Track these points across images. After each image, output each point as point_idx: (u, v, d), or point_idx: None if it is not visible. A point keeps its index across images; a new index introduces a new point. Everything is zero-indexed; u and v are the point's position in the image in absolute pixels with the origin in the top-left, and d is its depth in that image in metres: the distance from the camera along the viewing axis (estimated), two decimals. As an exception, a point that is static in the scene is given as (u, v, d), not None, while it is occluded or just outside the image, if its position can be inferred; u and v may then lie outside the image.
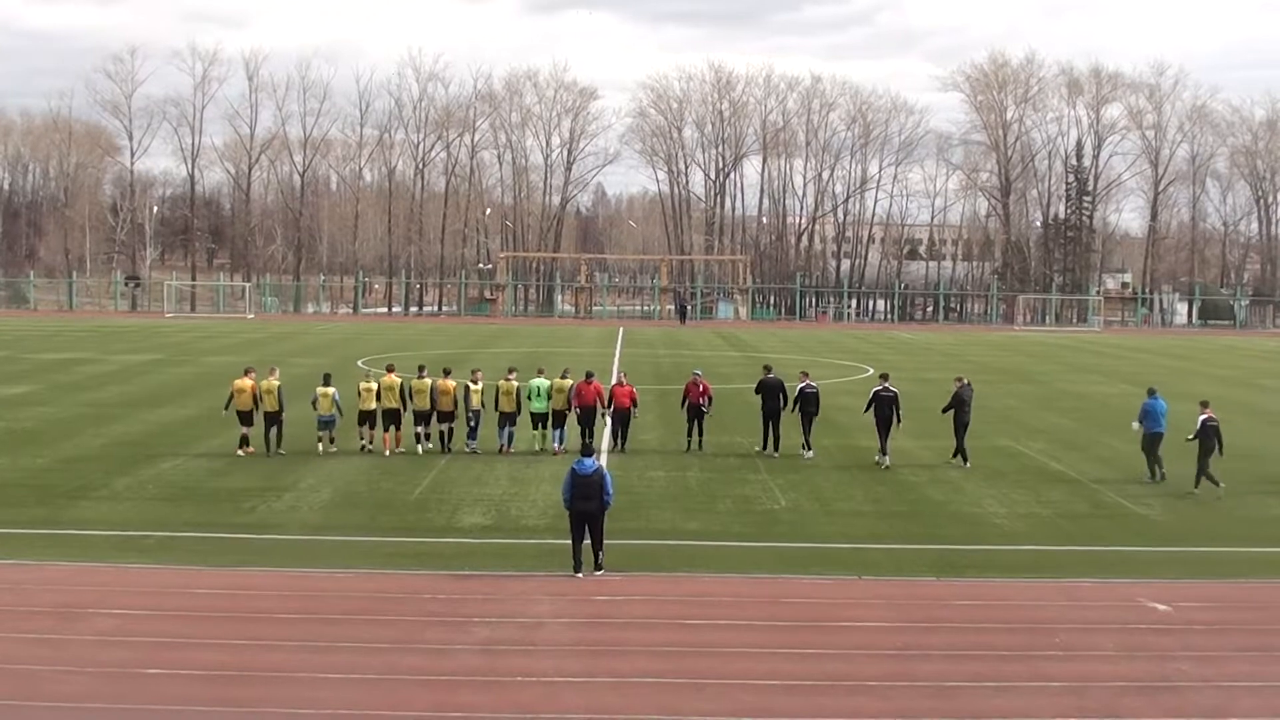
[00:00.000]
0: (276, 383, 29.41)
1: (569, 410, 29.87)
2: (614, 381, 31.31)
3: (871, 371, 52.95)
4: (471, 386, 30.15)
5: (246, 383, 29.50)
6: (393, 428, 29.70)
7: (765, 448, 30.05)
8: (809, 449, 29.85)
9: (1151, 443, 27.33)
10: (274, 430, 29.25)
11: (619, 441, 30.29)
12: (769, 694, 14.13)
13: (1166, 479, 27.04)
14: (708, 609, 17.18)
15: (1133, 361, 64.38)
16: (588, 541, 18.77)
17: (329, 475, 26.77)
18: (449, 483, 26.12)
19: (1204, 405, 26.46)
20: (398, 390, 29.70)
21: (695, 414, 30.64)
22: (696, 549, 20.63)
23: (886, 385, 29.22)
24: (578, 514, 18.47)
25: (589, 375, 30.90)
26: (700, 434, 30.65)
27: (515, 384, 30.16)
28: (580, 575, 18.38)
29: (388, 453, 29.48)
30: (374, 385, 30.01)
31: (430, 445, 29.86)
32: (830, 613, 17.17)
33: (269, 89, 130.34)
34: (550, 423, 30.00)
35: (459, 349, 61.90)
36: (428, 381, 29.90)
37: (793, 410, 30.04)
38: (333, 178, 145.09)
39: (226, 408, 29.83)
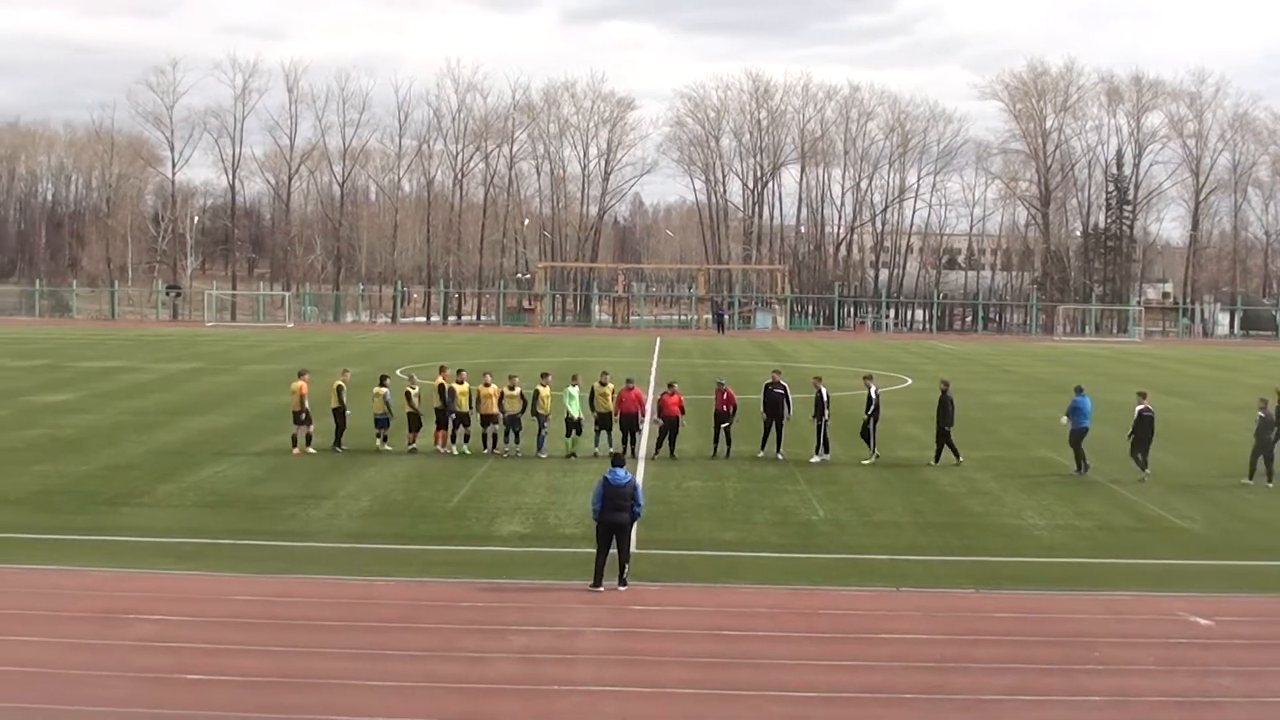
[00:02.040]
0: (346, 383, 31.53)
1: (617, 415, 30.37)
2: (664, 390, 31.60)
3: (911, 382, 52.81)
4: (508, 392, 30.75)
5: (299, 384, 30.84)
6: (443, 429, 31.02)
7: (764, 449, 31.06)
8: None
9: (1077, 438, 29.29)
10: (343, 424, 30.88)
11: (668, 448, 30.60)
12: (805, 705, 14.07)
13: (1091, 469, 29.09)
14: (744, 620, 17.12)
15: (1173, 373, 63.87)
16: (612, 553, 18.66)
17: (368, 483, 26.93)
18: (487, 491, 26.22)
19: (1141, 396, 29.23)
20: (444, 391, 30.88)
21: (720, 420, 30.94)
22: (733, 559, 20.57)
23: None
24: (607, 525, 18.31)
25: (629, 382, 31.19)
26: (727, 442, 30.90)
27: (549, 390, 30.82)
28: (601, 589, 18.24)
29: (440, 448, 30.70)
30: (418, 390, 31.20)
31: (467, 448, 30.67)
32: (868, 624, 17.10)
33: (308, 100, 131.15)
34: (596, 428, 30.70)
35: (497, 357, 62.22)
36: (467, 386, 30.94)
37: (818, 417, 30.83)
38: (372, 188, 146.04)
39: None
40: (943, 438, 30.28)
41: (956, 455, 30.27)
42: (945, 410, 30.23)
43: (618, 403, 30.39)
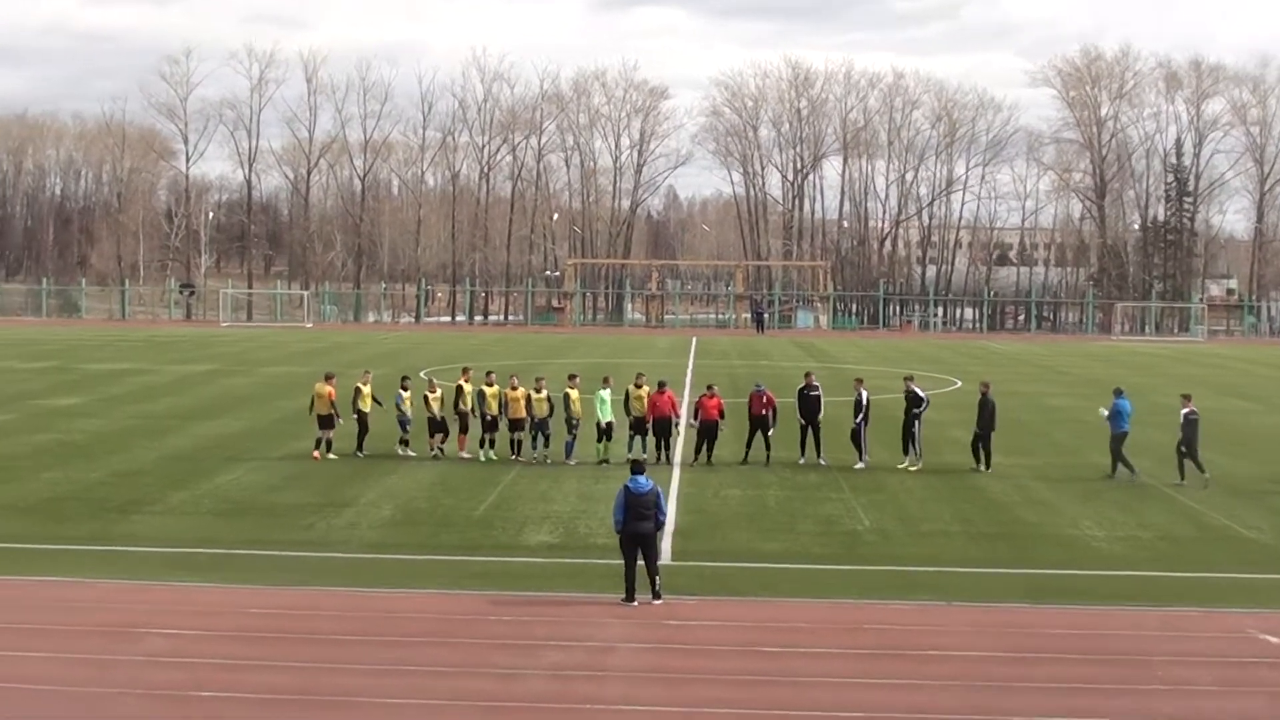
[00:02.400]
0: (370, 385, 31.89)
1: (649, 420, 30.49)
2: (703, 392, 31.66)
3: (960, 384, 52.64)
4: (535, 395, 30.78)
5: (326, 388, 31.08)
6: (461, 432, 31.32)
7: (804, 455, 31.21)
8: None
9: (1117, 443, 29.64)
10: (365, 430, 31.27)
11: (705, 454, 30.74)
12: (851, 726, 14.02)
13: (1139, 474, 29.19)
14: (786, 635, 17.11)
15: (1239, 373, 63.48)
16: (642, 565, 18.60)
17: (390, 491, 27.06)
18: (515, 499, 26.31)
19: (1186, 399, 29.26)
20: (471, 395, 31.21)
21: (758, 426, 30.85)
22: (774, 572, 20.57)
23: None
24: (631, 536, 18.25)
25: (662, 385, 31.28)
26: (766, 447, 30.94)
27: (579, 393, 30.99)
28: (634, 603, 18.16)
29: (465, 455, 30.92)
30: (438, 395, 31.31)
31: (494, 454, 30.74)
32: (915, 640, 17.00)
33: (328, 90, 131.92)
34: (631, 433, 30.68)
35: (525, 359, 62.43)
36: (497, 389, 30.97)
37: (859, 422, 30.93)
38: (394, 182, 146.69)
39: (311, 409, 31.62)
40: (979, 442, 30.36)
41: (986, 462, 30.32)
42: (985, 414, 30.34)
43: (650, 406, 30.50)
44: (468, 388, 31.44)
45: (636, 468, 18.80)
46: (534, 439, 30.82)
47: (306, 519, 24.13)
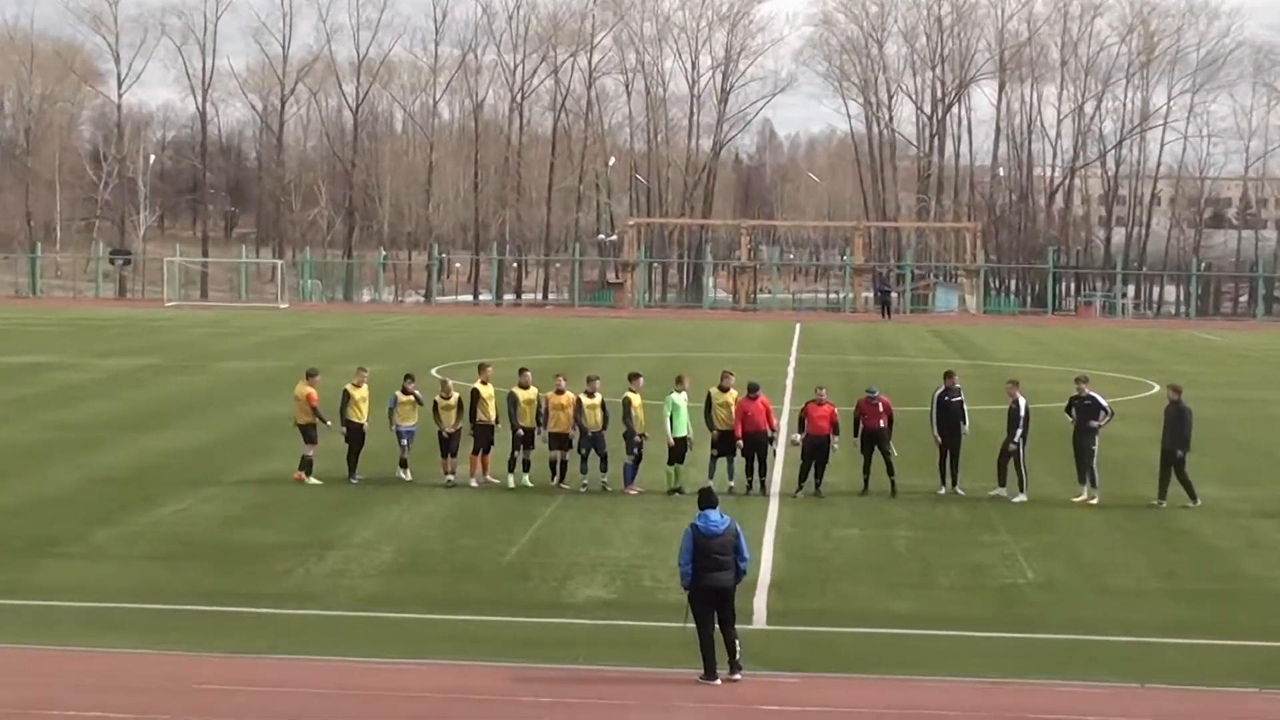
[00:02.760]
0: (366, 389, 32.10)
1: (739, 436, 30.60)
2: (810, 399, 31.72)
3: (1157, 389, 52.09)
4: (586, 400, 30.77)
5: (305, 389, 31.61)
6: (482, 450, 31.51)
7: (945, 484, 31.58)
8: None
9: None
10: (358, 447, 31.65)
11: (813, 481, 30.92)
12: None
13: None
14: (922, 727, 16.88)
15: None
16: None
17: (391, 528, 27.19)
18: (557, 539, 26.37)
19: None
20: (493, 401, 31.37)
21: (873, 443, 31.18)
22: (905, 640, 20.53)
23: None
24: (705, 591, 18.11)
25: (754, 389, 31.27)
26: (889, 472, 31.19)
27: (642, 398, 30.98)
28: (717, 680, 18.13)
29: (474, 482, 31.12)
30: (453, 400, 31.65)
31: (529, 479, 31.05)
32: (1100, 735, 16.78)
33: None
34: (713, 452, 30.85)
35: (571, 352, 62.40)
36: (534, 392, 31.05)
37: (1015, 440, 30.86)
38: (397, 116, 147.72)
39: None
40: (1171, 465, 30.41)
41: (1189, 493, 30.25)
42: (1175, 427, 30.41)
43: (738, 417, 30.64)
44: (487, 392, 31.52)
45: (707, 499, 18.64)
46: (583, 459, 30.90)
47: (280, 564, 24.14)
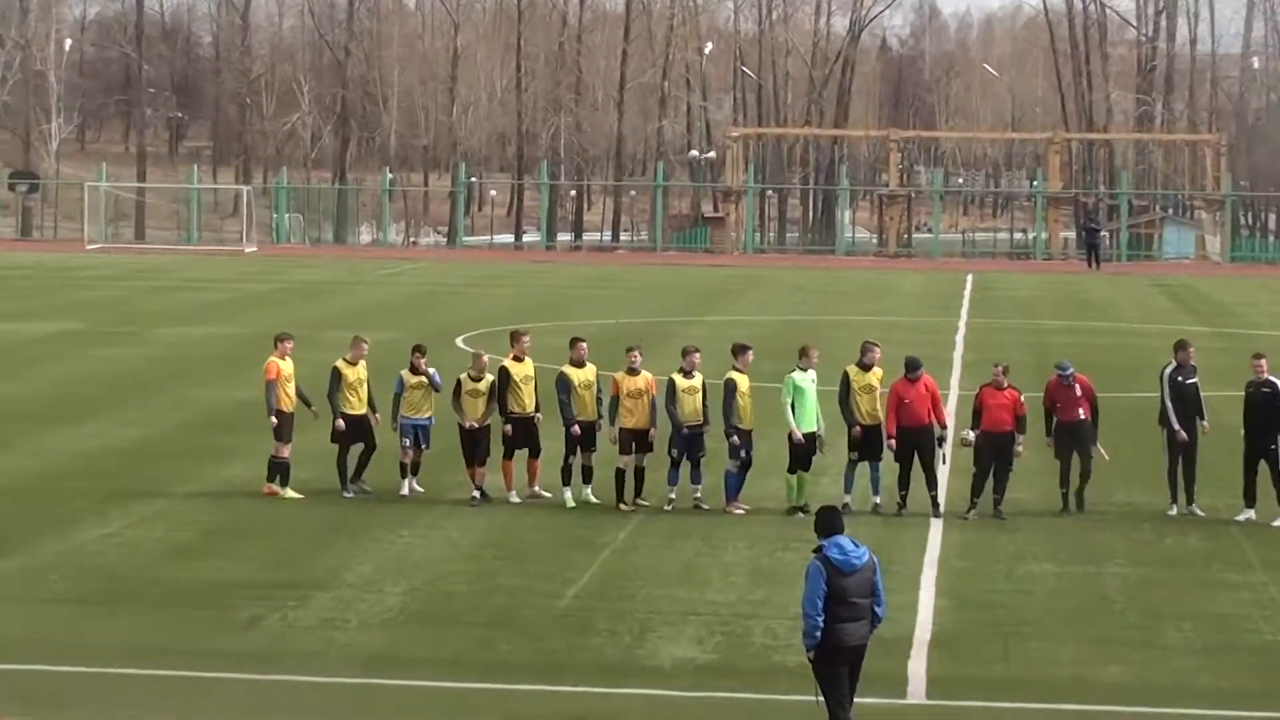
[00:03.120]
0: (364, 368, 32.11)
1: (890, 434, 30.55)
2: (986, 382, 31.57)
3: None
4: (681, 382, 30.46)
5: (276, 364, 31.69)
6: (526, 452, 31.31)
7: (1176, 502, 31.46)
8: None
9: None
10: (367, 447, 31.79)
11: (993, 497, 30.78)
12: None
13: None
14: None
15: None
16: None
17: (401, 558, 27.10)
18: (632, 577, 26.22)
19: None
20: (533, 385, 31.18)
21: (1071, 442, 30.94)
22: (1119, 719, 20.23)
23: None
24: (838, 651, 17.88)
25: (913, 367, 31.04)
26: (1083, 477, 31.14)
27: (748, 380, 30.55)
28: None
29: (514, 496, 30.94)
30: (485, 383, 31.32)
31: (591, 493, 30.87)
32: None
33: None
34: (852, 456, 30.81)
35: (651, 314, 62.75)
36: (593, 371, 31.00)
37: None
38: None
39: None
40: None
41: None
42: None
43: (890, 406, 30.48)
44: (520, 370, 31.38)
45: (832, 521, 18.17)
46: (672, 466, 30.66)
47: (245, 610, 23.87)
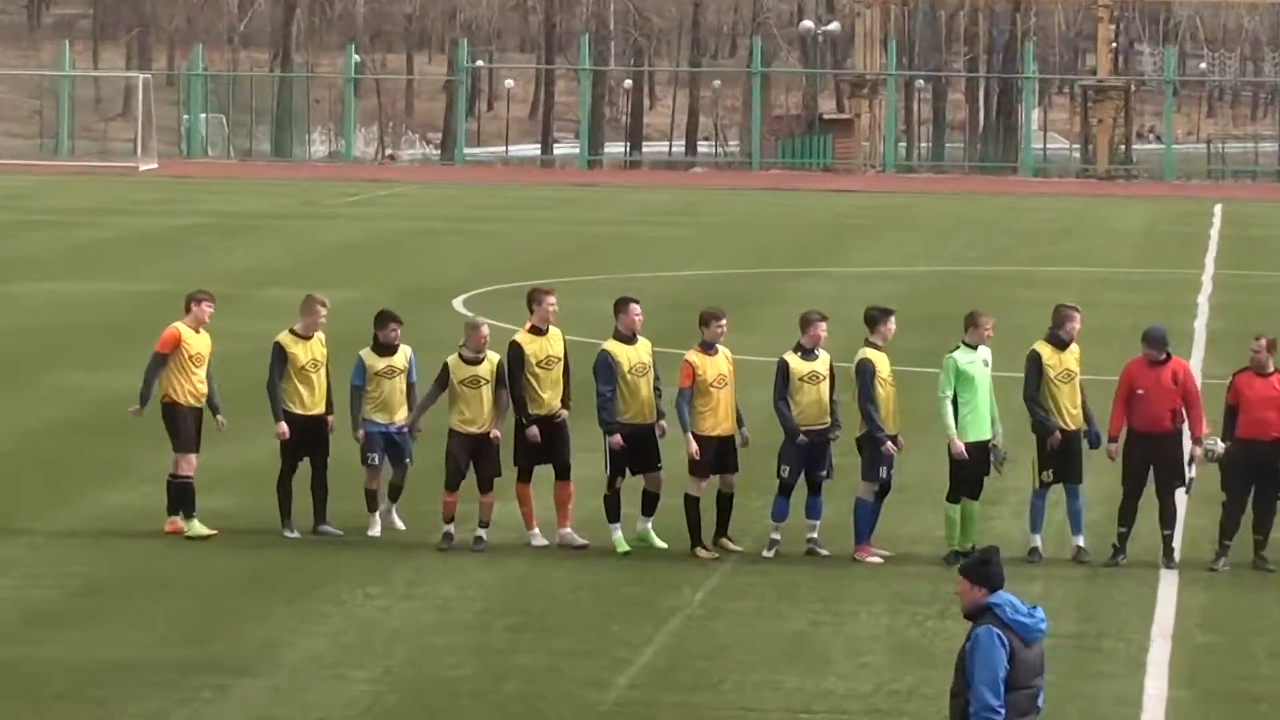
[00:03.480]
0: (323, 345, 31.50)
1: (1113, 436, 30.20)
2: (1242, 366, 30.42)
3: None
4: (798, 365, 29.78)
5: (189, 334, 31.11)
6: (552, 471, 30.83)
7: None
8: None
9: None
10: (317, 465, 31.26)
11: (1255, 538, 30.01)
12: None
13: None
14: None
15: None
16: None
17: (367, 626, 26.60)
18: (713, 655, 25.56)
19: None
20: (561, 369, 30.83)
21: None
22: None
23: None
24: None
25: (1156, 341, 30.40)
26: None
27: (888, 363, 30.05)
28: None
29: (537, 537, 30.34)
30: (486, 367, 30.83)
31: (651, 531, 30.27)
32: None
33: None
34: (1043, 479, 30.06)
35: (744, 265, 61.90)
36: (647, 346, 30.52)
37: None
38: None
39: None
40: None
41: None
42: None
43: (1120, 398, 29.97)
44: (542, 348, 30.75)
45: (984, 569, 16.70)
46: (782, 490, 29.67)
47: (140, 702, 23.03)
